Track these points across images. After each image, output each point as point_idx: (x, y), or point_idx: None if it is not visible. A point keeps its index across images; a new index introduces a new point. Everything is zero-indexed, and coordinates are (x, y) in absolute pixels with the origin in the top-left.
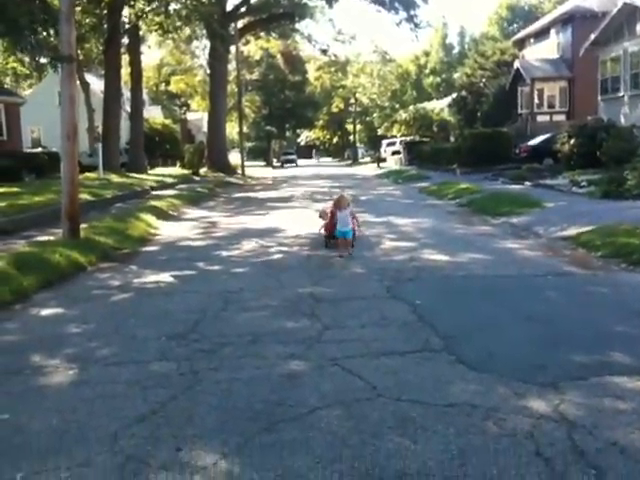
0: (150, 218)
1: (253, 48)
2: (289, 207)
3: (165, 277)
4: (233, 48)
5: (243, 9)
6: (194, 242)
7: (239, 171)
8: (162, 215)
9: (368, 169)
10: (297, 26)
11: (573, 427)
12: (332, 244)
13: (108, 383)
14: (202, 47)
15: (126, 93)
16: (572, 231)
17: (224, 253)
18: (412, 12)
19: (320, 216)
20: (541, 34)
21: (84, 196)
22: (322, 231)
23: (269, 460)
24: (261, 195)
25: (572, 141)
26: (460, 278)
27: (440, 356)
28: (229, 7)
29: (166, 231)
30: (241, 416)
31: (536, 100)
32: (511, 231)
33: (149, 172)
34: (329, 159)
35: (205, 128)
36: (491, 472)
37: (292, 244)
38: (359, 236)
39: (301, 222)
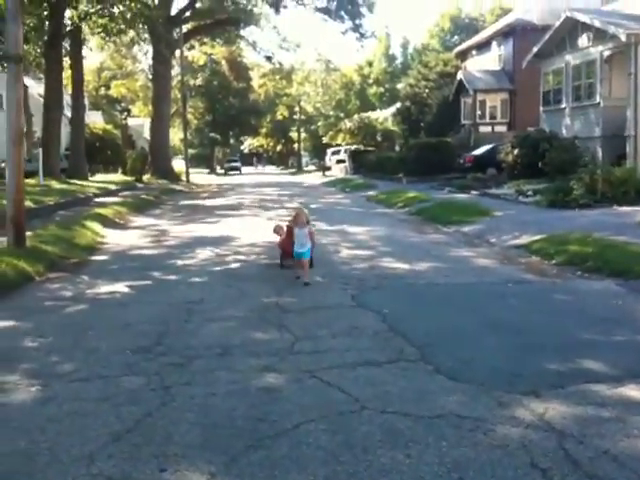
0: (96, 226)
1: (197, 54)
2: (239, 215)
3: (120, 287)
4: (177, 53)
5: (188, 13)
6: (145, 251)
7: (183, 178)
8: (108, 223)
9: (313, 177)
10: (242, 32)
11: (563, 436)
12: (289, 265)
13: (76, 400)
14: (144, 51)
15: (65, 97)
16: (524, 239)
17: (179, 262)
18: (357, 21)
19: (275, 232)
20: (483, 46)
21: (26, 203)
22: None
23: (260, 479)
24: (209, 203)
25: (516, 151)
26: (423, 286)
27: (417, 366)
28: (174, 11)
29: (114, 239)
30: (223, 433)
31: (478, 111)
32: (464, 239)
33: (90, 179)
34: (273, 167)
35: (146, 134)
36: None
37: (249, 252)
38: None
39: (254, 230)
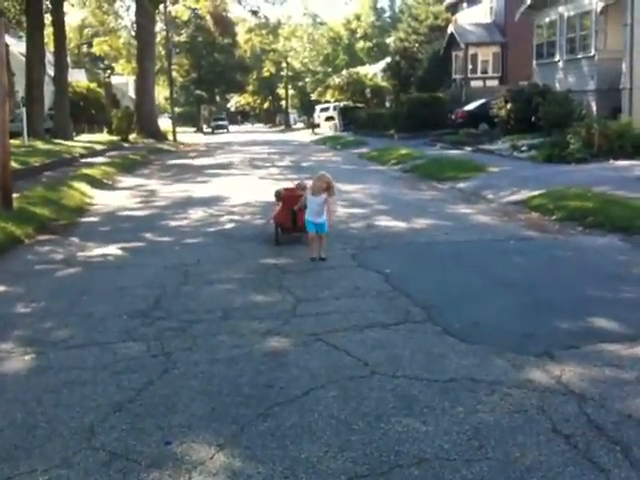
0: (84, 187)
1: (181, 8)
2: (230, 174)
3: (112, 250)
4: (161, 7)
5: None
6: (136, 212)
7: (170, 137)
8: (96, 184)
9: (303, 135)
10: None
11: (582, 400)
12: (285, 238)
13: (73, 369)
14: (126, 7)
15: (47, 56)
16: (522, 195)
17: (172, 223)
18: None
19: (276, 196)
20: None
21: (11, 164)
22: (271, 221)
23: (272, 450)
24: (197, 162)
25: (509, 106)
26: (423, 245)
27: (425, 327)
28: None
29: (103, 200)
30: (230, 401)
31: (470, 65)
32: (460, 196)
33: (75, 139)
34: (260, 125)
35: (131, 92)
36: (513, 453)
37: (242, 212)
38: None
39: (247, 189)
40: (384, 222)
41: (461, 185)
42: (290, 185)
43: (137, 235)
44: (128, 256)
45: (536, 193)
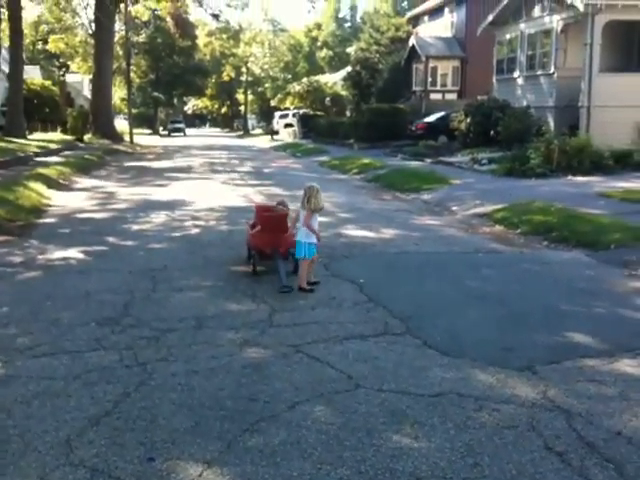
0: (40, 187)
1: (141, 8)
2: (190, 178)
3: (73, 253)
4: (121, 6)
5: None
6: (95, 214)
7: (126, 138)
8: (52, 184)
9: (261, 141)
10: None
11: (570, 416)
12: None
13: (42, 379)
14: (84, 4)
15: (2, 52)
16: (486, 208)
17: (134, 227)
18: None
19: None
20: (435, 12)
21: None
22: (247, 244)
23: (263, 468)
24: (156, 165)
25: (468, 119)
26: (394, 255)
27: (405, 340)
28: None
29: (60, 201)
30: (213, 415)
31: (429, 78)
32: (425, 207)
33: (29, 137)
34: (217, 129)
35: (85, 92)
36: (510, 471)
37: (207, 218)
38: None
39: (208, 194)
40: (352, 231)
41: (425, 196)
42: (263, 201)
43: (99, 238)
44: (91, 260)
45: (500, 206)
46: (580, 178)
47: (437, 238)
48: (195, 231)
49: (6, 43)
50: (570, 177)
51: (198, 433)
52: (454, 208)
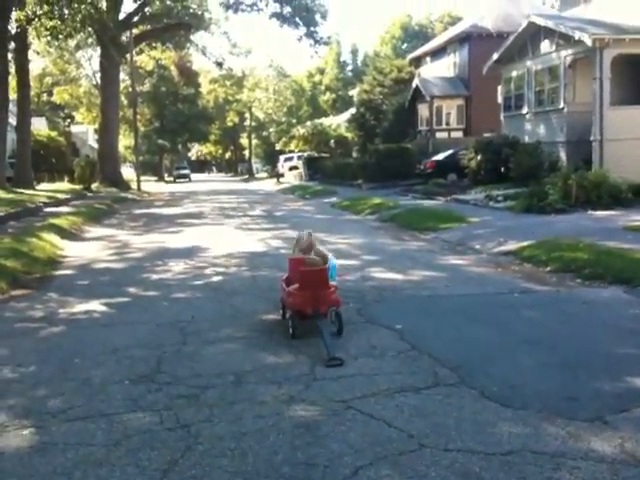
0: (54, 237)
1: (145, 58)
2: (203, 224)
3: (95, 305)
4: (127, 56)
5: (136, 18)
6: (112, 264)
7: (133, 186)
8: (65, 234)
9: (267, 184)
10: (192, 37)
11: None
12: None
13: (81, 445)
14: (88, 56)
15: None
16: (511, 246)
17: (153, 276)
18: (312, 28)
19: (301, 249)
20: (437, 53)
21: None
22: (282, 301)
23: None
24: (166, 211)
25: (479, 157)
26: (427, 298)
27: (460, 391)
28: (121, 15)
29: (75, 252)
30: None
31: (434, 117)
32: (447, 246)
33: (37, 187)
34: (222, 174)
35: (90, 141)
36: None
37: (227, 264)
38: None
39: (224, 240)
40: (378, 274)
41: (444, 235)
42: (292, 252)
43: (119, 289)
44: (115, 312)
45: (525, 244)
46: (600, 212)
47: (467, 279)
48: (217, 278)
49: (13, 95)
50: (590, 212)
51: None
52: (477, 247)
